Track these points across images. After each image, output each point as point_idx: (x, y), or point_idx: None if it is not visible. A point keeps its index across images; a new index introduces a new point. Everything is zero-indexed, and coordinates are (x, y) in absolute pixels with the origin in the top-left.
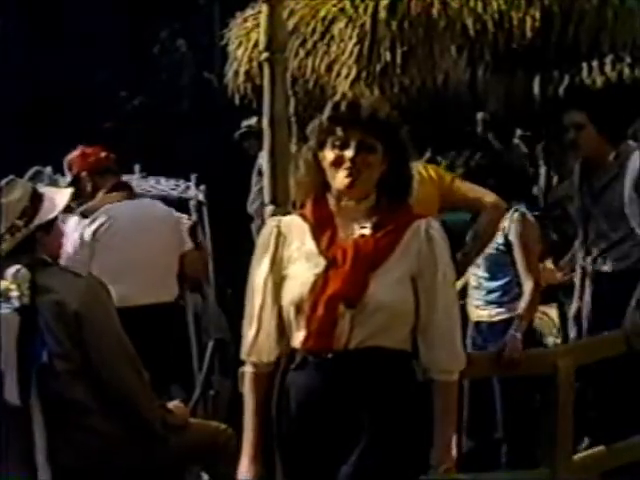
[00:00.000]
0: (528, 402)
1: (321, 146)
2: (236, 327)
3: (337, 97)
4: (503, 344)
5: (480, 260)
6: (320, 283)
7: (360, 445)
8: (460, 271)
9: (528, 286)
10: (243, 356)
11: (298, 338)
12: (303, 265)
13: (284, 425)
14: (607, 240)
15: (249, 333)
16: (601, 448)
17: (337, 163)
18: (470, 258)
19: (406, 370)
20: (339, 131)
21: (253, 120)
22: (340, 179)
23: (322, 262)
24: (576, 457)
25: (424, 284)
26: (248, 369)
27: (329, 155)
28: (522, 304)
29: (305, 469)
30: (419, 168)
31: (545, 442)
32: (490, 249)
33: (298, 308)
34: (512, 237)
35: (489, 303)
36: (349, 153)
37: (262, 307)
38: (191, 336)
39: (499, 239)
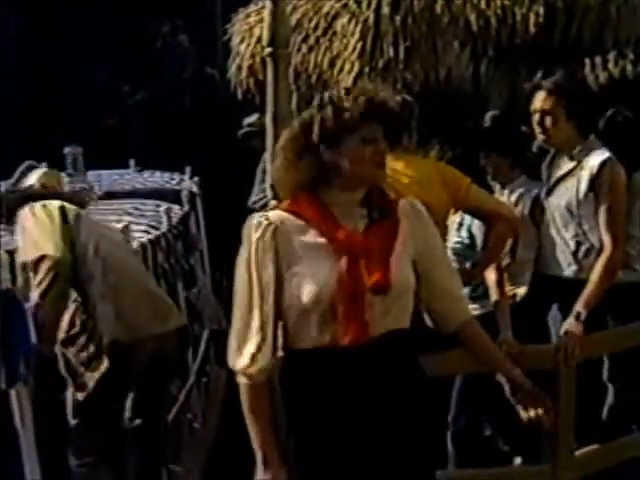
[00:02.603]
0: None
1: (337, 142)
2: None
3: (357, 92)
4: (499, 341)
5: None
6: (345, 277)
7: (390, 432)
8: (468, 281)
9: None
10: (239, 368)
11: (325, 336)
12: (317, 261)
13: (320, 423)
14: (559, 239)
15: (251, 343)
16: (602, 445)
17: (371, 158)
18: (480, 269)
19: (415, 349)
20: (370, 127)
21: (254, 117)
22: (377, 174)
23: (336, 256)
24: (577, 453)
25: (426, 254)
26: (246, 381)
27: (358, 150)
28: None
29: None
30: (431, 168)
31: (546, 438)
32: (456, 243)
33: (322, 306)
34: None
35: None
36: (381, 147)
37: (267, 314)
38: None
39: (463, 232)
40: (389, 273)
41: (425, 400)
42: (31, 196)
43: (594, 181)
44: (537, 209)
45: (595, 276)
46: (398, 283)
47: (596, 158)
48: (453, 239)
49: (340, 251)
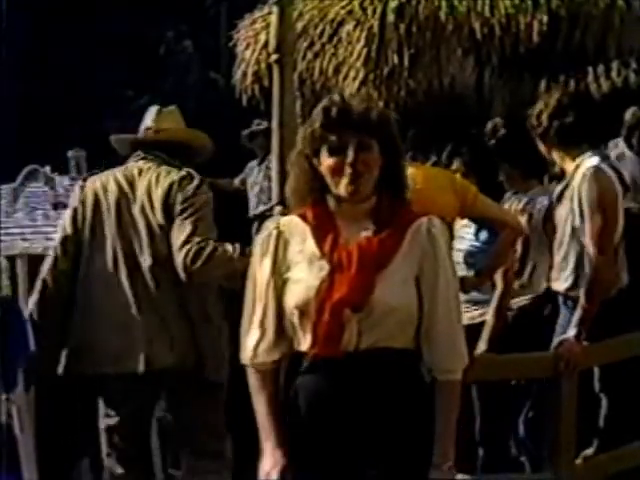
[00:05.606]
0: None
1: (316, 153)
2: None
3: (325, 102)
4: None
5: (461, 259)
6: (325, 288)
7: (372, 447)
8: (471, 289)
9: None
10: (245, 361)
11: (305, 342)
12: (306, 269)
13: (295, 428)
14: (562, 251)
15: (252, 338)
16: (603, 453)
17: (337, 169)
18: (484, 277)
19: (414, 369)
20: (334, 137)
21: (265, 124)
22: (343, 186)
23: (326, 266)
24: (579, 461)
25: (427, 283)
26: (252, 370)
27: (327, 162)
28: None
29: (315, 471)
30: (441, 175)
31: (548, 446)
32: (472, 247)
33: (303, 312)
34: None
35: (474, 303)
36: (349, 158)
37: (265, 311)
38: None
39: (482, 236)
40: (369, 291)
41: (412, 418)
42: None
43: (580, 194)
44: (548, 220)
45: (584, 293)
46: (382, 303)
47: (583, 168)
48: (467, 243)
49: (327, 262)
